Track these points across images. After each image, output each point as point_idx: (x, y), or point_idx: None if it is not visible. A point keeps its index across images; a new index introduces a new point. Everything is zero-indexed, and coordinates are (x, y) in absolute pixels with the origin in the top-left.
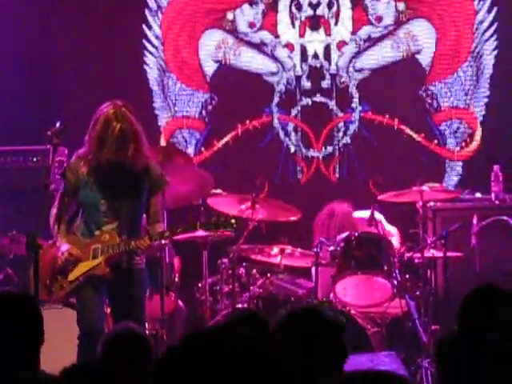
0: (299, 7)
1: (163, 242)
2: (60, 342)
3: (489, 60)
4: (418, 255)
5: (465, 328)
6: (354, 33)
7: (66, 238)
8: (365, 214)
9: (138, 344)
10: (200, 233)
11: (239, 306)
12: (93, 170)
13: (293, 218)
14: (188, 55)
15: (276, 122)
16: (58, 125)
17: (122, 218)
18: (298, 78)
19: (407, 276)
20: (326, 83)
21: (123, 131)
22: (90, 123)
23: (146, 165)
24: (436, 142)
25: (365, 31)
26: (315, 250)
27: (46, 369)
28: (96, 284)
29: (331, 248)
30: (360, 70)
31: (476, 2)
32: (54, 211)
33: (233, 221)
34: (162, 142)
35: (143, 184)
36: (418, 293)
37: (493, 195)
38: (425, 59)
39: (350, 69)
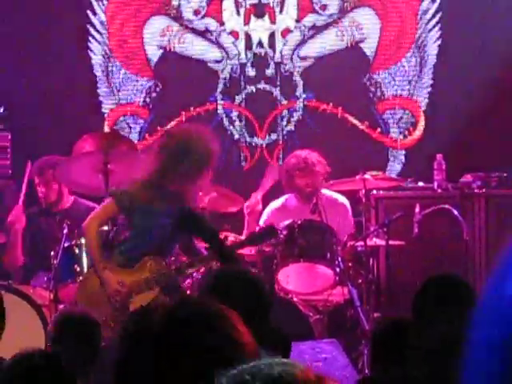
0: None
1: None
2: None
3: (432, 49)
4: (361, 243)
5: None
6: (298, 21)
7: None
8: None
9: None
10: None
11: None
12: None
13: (233, 209)
14: (132, 42)
15: (220, 110)
16: (1, 110)
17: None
18: (243, 66)
19: (350, 264)
20: (270, 71)
21: None
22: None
23: None
24: (379, 130)
25: (309, 19)
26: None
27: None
28: None
29: None
30: (304, 58)
31: None
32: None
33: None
34: (106, 129)
35: None
36: (360, 281)
37: (435, 184)
38: (369, 48)
39: (295, 57)
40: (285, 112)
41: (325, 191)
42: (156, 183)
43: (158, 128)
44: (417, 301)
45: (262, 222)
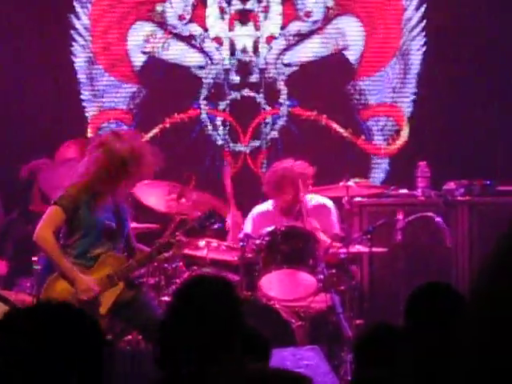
0: (229, 1)
1: None
2: None
3: (416, 57)
4: (344, 250)
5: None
6: (283, 28)
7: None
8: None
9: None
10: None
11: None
12: None
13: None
14: (117, 47)
15: (204, 116)
16: None
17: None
18: (227, 72)
19: (333, 271)
20: (254, 77)
21: None
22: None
23: None
24: (363, 137)
25: (294, 26)
26: (241, 244)
27: None
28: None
29: (257, 242)
30: (288, 65)
31: (404, 0)
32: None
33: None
34: (90, 134)
35: None
36: (343, 288)
37: (419, 191)
38: (353, 55)
39: (279, 64)
40: (269, 119)
41: (310, 196)
42: (91, 183)
43: (142, 134)
44: (411, 307)
45: (247, 228)
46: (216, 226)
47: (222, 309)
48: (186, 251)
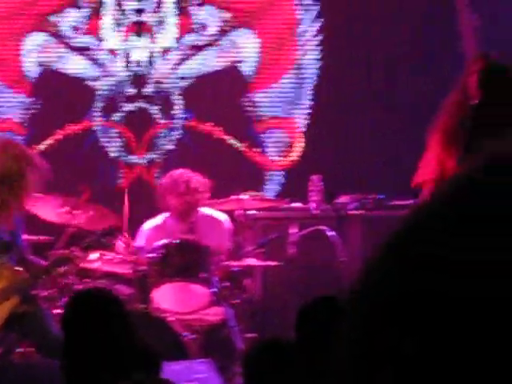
0: (124, 13)
1: None
2: None
3: (311, 70)
4: (237, 263)
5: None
6: (178, 40)
7: None
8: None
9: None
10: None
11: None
12: None
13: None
14: (10, 57)
15: (98, 128)
16: None
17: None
18: (121, 84)
19: (226, 284)
20: (149, 89)
21: None
22: None
23: None
24: (257, 150)
25: (189, 39)
26: (134, 257)
27: None
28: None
29: (150, 255)
30: (184, 78)
31: (300, 13)
32: None
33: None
34: None
35: None
36: (235, 301)
37: (312, 205)
38: (248, 68)
39: (174, 76)
40: (163, 131)
41: (204, 209)
42: None
43: (35, 146)
44: (299, 322)
45: (140, 241)
46: (114, 242)
47: (109, 322)
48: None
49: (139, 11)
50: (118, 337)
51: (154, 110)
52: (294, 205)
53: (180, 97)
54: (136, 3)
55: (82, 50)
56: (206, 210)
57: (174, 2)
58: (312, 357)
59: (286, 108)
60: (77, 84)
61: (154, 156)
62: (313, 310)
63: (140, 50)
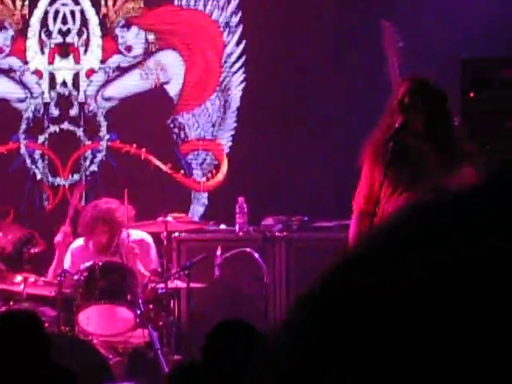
0: (49, 34)
1: None
2: None
3: (236, 92)
4: (162, 286)
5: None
6: (103, 61)
7: None
8: None
9: None
10: None
11: None
12: None
13: (35, 250)
14: None
15: (23, 149)
16: None
17: None
18: (46, 106)
19: (151, 306)
20: (74, 111)
21: None
22: None
23: None
24: (182, 172)
25: (114, 60)
26: (59, 278)
27: None
28: None
29: (75, 277)
30: (108, 99)
31: (225, 35)
32: None
33: None
34: None
35: None
36: (161, 323)
37: (237, 227)
38: (173, 90)
39: (99, 97)
40: (88, 152)
41: (129, 231)
42: None
43: None
44: (207, 346)
45: (66, 262)
46: (32, 251)
47: (28, 345)
48: (3, 286)
49: (64, 33)
50: (35, 358)
51: (79, 131)
52: (219, 227)
53: (105, 118)
54: (61, 25)
55: (6, 72)
56: (131, 232)
57: (98, 24)
58: (218, 380)
59: (211, 130)
60: (2, 106)
61: (78, 178)
62: (218, 334)
63: (65, 71)
